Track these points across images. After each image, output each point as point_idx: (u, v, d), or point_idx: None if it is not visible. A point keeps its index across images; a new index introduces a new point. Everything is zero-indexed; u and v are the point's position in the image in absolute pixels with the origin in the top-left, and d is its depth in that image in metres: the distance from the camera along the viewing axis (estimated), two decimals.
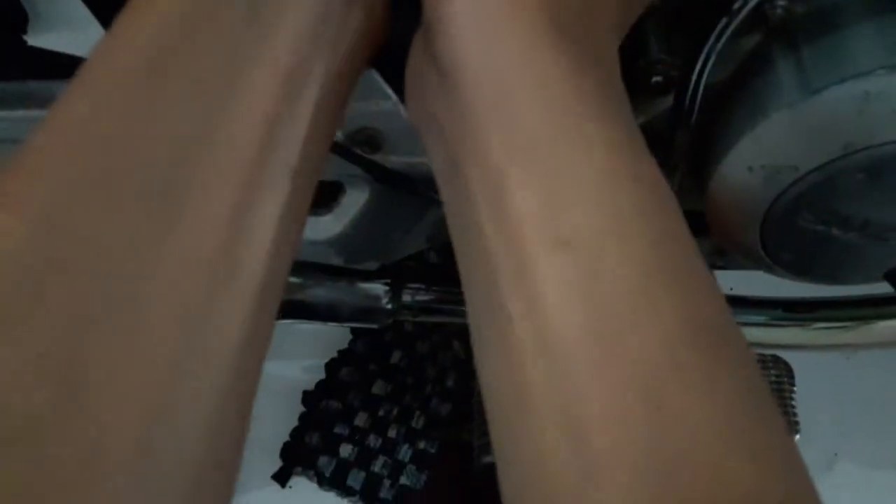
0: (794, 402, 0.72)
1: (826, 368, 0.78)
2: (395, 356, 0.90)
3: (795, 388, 0.68)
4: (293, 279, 0.56)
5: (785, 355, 0.69)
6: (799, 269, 0.50)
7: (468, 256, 0.25)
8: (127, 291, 0.20)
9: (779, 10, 0.42)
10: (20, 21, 0.75)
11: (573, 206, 0.22)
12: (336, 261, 0.56)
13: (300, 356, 0.91)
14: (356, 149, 0.49)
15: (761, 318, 0.59)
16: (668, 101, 0.47)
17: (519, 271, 0.22)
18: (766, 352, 0.66)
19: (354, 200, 0.53)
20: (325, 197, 0.54)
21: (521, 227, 0.22)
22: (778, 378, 0.66)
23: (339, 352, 0.91)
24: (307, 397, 0.89)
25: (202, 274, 0.21)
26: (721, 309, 0.22)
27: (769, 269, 0.52)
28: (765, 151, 0.43)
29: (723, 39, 0.41)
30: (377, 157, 0.49)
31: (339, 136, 0.51)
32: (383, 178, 0.49)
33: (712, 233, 0.51)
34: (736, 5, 0.40)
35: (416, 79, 0.27)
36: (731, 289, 0.62)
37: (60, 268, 0.19)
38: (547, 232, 0.22)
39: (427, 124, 0.27)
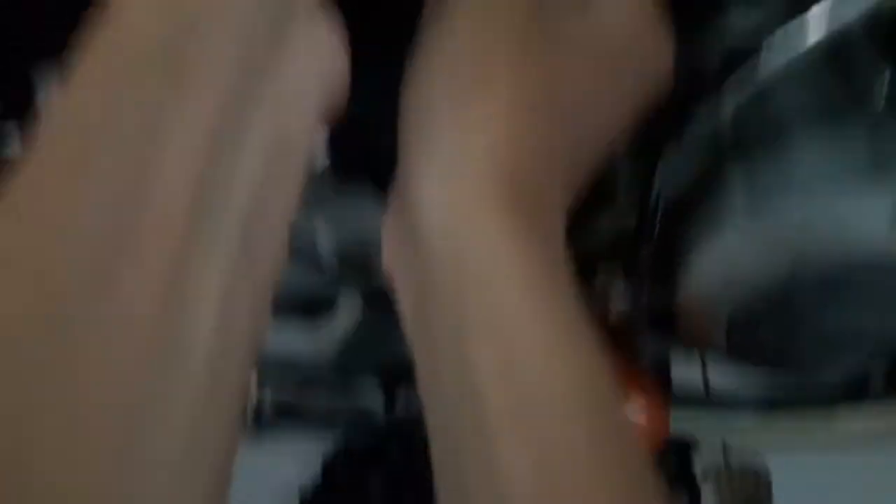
0: None
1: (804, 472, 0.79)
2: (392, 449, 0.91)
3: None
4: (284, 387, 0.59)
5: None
6: (765, 369, 0.53)
7: (433, 408, 0.27)
8: (59, 377, 0.19)
9: (727, 129, 0.46)
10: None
11: (528, 372, 0.24)
12: (332, 372, 0.59)
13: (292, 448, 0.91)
14: (348, 269, 0.52)
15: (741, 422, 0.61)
16: (630, 211, 0.51)
17: (480, 437, 0.24)
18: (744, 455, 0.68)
19: (349, 314, 0.56)
20: (320, 310, 0.58)
21: (485, 391, 0.24)
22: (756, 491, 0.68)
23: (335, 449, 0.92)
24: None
25: (138, 349, 0.20)
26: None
27: (735, 367, 0.54)
28: (723, 263, 0.46)
29: (674, 164, 0.45)
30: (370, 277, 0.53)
31: (332, 258, 0.54)
32: (371, 301, 0.52)
33: (682, 336, 0.54)
34: (685, 130, 0.44)
35: (393, 228, 0.29)
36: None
37: None
38: (507, 397, 0.24)
39: (398, 270, 0.29)
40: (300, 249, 0.53)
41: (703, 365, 0.63)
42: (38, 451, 0.18)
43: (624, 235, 0.52)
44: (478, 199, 0.26)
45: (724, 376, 0.62)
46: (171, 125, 0.22)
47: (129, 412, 0.20)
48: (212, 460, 0.22)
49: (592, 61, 0.28)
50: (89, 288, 0.20)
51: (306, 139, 0.26)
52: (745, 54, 0.40)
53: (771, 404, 0.61)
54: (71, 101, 0.23)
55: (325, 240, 0.53)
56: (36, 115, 0.69)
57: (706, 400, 0.67)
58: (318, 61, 0.26)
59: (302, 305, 0.58)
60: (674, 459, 0.67)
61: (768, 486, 0.68)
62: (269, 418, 0.61)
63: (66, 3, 0.37)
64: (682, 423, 0.63)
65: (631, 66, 0.30)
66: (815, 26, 0.38)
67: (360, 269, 0.51)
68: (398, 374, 0.64)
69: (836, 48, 0.44)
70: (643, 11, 0.30)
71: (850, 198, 0.42)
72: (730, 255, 0.46)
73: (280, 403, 0.62)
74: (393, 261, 0.29)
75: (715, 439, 0.66)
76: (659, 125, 0.47)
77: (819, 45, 0.39)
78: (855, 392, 0.55)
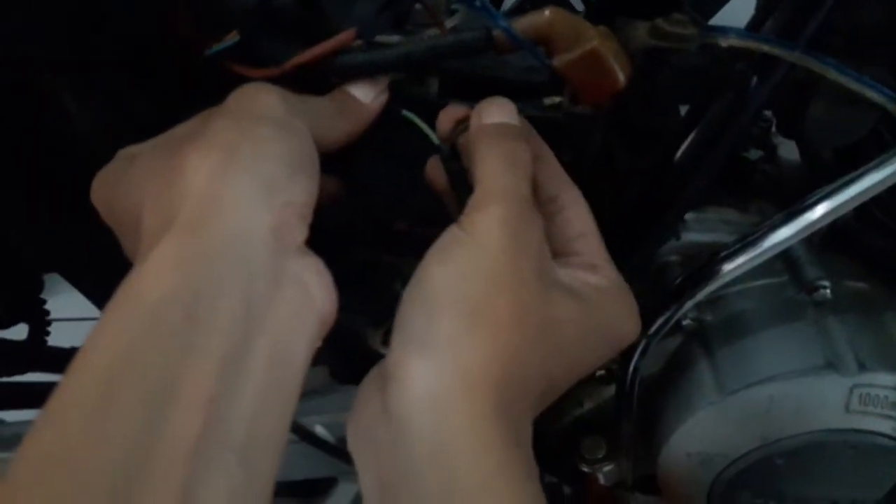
0: None
1: None
2: None
3: None
4: None
5: None
6: None
7: None
8: None
9: (690, 322, 0.51)
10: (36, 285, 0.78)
11: None
12: None
13: None
14: (344, 448, 0.55)
15: None
16: (612, 389, 0.55)
17: None
18: None
19: (347, 492, 0.58)
20: (320, 490, 0.60)
21: None
22: None
23: None
24: None
25: None
26: None
27: None
28: (697, 441, 0.50)
29: (647, 352, 0.49)
30: None
31: (329, 436, 0.57)
32: None
33: (667, 500, 0.57)
34: (655, 326, 0.49)
35: (363, 403, 0.31)
36: None
37: None
38: None
39: (363, 444, 0.30)
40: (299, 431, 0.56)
41: None
42: None
43: (604, 411, 0.56)
44: (467, 398, 0.28)
45: None
46: (185, 360, 0.25)
47: None
48: None
49: (576, 317, 0.32)
50: None
51: (302, 359, 0.29)
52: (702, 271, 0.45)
53: None
54: (97, 342, 0.26)
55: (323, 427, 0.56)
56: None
57: None
58: (310, 291, 0.29)
59: (301, 486, 0.60)
60: None
61: None
62: None
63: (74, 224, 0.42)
64: None
65: (605, 329, 0.33)
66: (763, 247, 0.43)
67: None
68: None
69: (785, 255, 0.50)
70: (619, 285, 0.34)
71: (808, 382, 0.47)
72: (704, 434, 0.50)
73: None
74: (361, 432, 0.30)
75: None
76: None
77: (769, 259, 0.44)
78: None
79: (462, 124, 0.36)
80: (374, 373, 0.31)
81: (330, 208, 0.40)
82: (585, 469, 0.58)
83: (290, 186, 0.30)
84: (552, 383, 0.31)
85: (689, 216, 0.54)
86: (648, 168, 0.46)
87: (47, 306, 0.73)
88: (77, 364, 0.26)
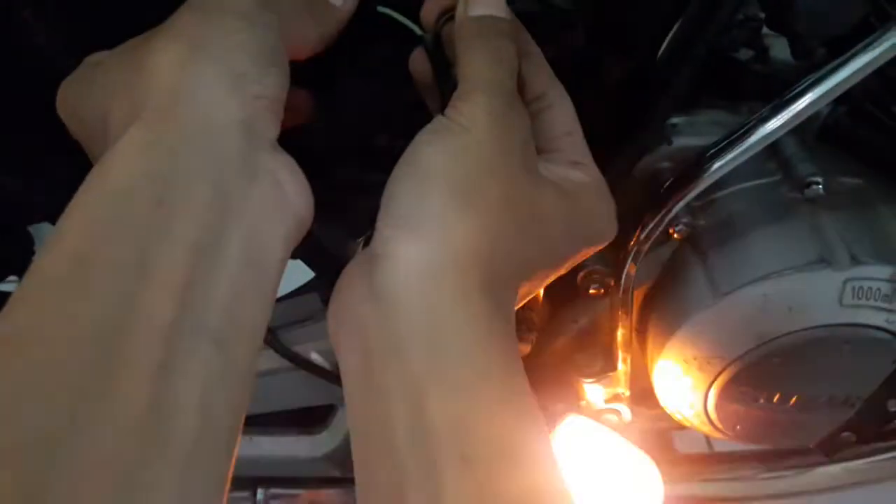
0: None
1: None
2: None
3: None
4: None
5: None
6: (746, 437, 0.56)
7: (374, 456, 0.28)
8: (63, 461, 0.22)
9: (683, 227, 0.51)
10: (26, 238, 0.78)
11: (477, 427, 0.26)
12: (334, 473, 0.61)
13: None
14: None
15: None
16: (605, 304, 0.55)
17: (425, 481, 0.26)
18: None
19: (345, 419, 0.58)
20: (320, 417, 0.60)
21: (434, 442, 0.26)
22: None
23: None
24: None
25: (132, 435, 0.23)
26: None
27: (721, 437, 0.58)
28: (694, 345, 0.50)
29: (639, 258, 0.49)
30: None
31: (325, 362, 0.57)
32: None
33: (664, 410, 0.57)
34: (646, 231, 0.48)
35: (347, 286, 0.31)
36: None
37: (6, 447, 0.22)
38: (454, 449, 0.26)
39: (347, 329, 0.30)
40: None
41: None
42: None
43: (599, 323, 0.56)
44: (457, 274, 0.28)
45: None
46: (158, 246, 0.25)
47: (122, 488, 0.22)
48: None
49: (558, 209, 0.32)
50: (89, 389, 0.23)
51: (278, 255, 0.29)
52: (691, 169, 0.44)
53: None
54: (67, 227, 0.26)
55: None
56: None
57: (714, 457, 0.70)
58: (284, 187, 0.29)
59: (301, 414, 0.61)
60: None
61: None
62: None
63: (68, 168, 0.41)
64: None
65: (585, 224, 0.33)
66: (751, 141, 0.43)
67: None
68: None
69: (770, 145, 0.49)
70: (600, 183, 0.34)
71: (801, 278, 0.46)
72: (701, 338, 0.50)
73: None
74: (345, 315, 0.30)
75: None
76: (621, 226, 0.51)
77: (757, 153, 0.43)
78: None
79: (447, 14, 0.35)
80: (358, 258, 0.31)
81: (307, 126, 0.40)
82: (582, 382, 0.58)
83: (260, 79, 0.29)
84: (534, 271, 0.32)
85: (679, 120, 0.53)
86: (631, 67, 0.45)
87: None
88: (47, 247, 0.26)
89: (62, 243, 0.26)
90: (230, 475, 0.27)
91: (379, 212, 0.30)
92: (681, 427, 0.63)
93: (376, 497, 0.28)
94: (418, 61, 0.36)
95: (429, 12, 0.36)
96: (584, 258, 0.34)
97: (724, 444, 0.66)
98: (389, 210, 0.29)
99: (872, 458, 0.62)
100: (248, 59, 0.29)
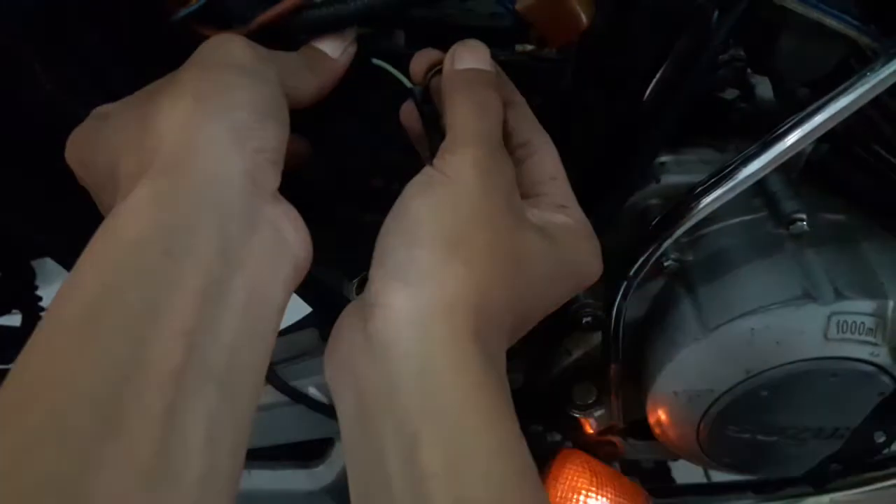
0: None
1: None
2: None
3: None
4: None
5: None
6: (738, 468, 0.57)
7: (369, 498, 0.28)
8: (75, 494, 0.22)
9: (672, 263, 0.52)
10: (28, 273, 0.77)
11: (471, 470, 0.27)
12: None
13: None
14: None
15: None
16: (599, 336, 0.56)
17: None
18: None
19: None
20: (318, 450, 0.61)
21: (428, 484, 0.26)
22: None
23: None
24: None
25: (141, 477, 0.24)
26: None
27: (713, 467, 0.58)
28: (683, 378, 0.51)
29: (630, 293, 0.50)
30: None
31: (323, 397, 0.58)
32: None
33: (658, 441, 0.58)
34: (635, 267, 0.49)
35: (343, 333, 0.32)
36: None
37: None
38: (448, 492, 0.26)
39: (342, 373, 0.31)
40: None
41: None
42: None
43: (591, 356, 0.57)
44: (448, 321, 0.29)
45: None
46: (167, 293, 0.26)
47: None
48: None
49: (544, 252, 0.33)
50: (101, 432, 0.24)
51: (279, 300, 0.30)
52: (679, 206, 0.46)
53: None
54: (80, 275, 0.27)
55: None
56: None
57: (709, 487, 0.71)
58: (284, 235, 0.30)
59: (299, 448, 0.61)
60: None
61: None
62: None
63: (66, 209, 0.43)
64: None
65: (571, 266, 0.34)
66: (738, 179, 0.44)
67: None
68: None
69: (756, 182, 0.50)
70: (585, 225, 0.35)
71: (787, 313, 0.48)
72: (690, 371, 0.51)
73: None
74: (341, 360, 0.31)
75: None
76: (609, 258, 0.52)
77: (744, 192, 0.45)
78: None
79: (435, 68, 0.37)
80: (352, 306, 0.32)
81: (305, 169, 0.41)
82: (577, 415, 0.59)
83: (260, 132, 0.30)
84: (523, 315, 0.33)
85: (667, 159, 0.55)
86: (619, 109, 0.46)
87: (40, 293, 0.74)
88: (60, 299, 0.27)
89: (76, 291, 0.27)
90: None
91: (371, 263, 0.31)
92: (675, 458, 0.64)
93: None
94: (408, 113, 0.38)
95: (418, 66, 0.37)
96: (572, 296, 0.35)
97: (722, 475, 0.67)
98: (381, 262, 0.31)
99: (861, 489, 0.62)
100: (250, 114, 0.30)
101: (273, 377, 0.55)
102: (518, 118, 0.37)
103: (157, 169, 0.29)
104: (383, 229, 0.31)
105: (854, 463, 0.53)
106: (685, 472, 0.72)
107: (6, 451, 0.23)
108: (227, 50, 0.32)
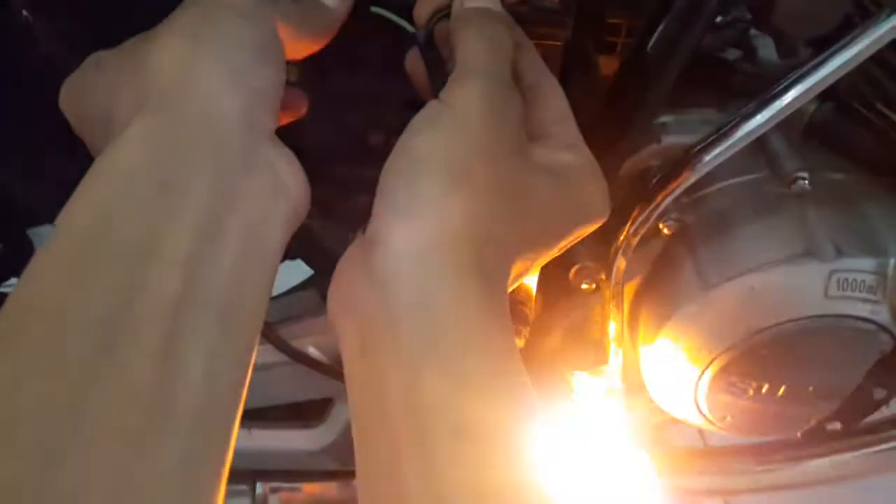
0: None
1: None
2: None
3: None
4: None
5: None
6: (737, 428, 0.57)
7: (371, 432, 0.29)
8: (72, 427, 0.23)
9: (672, 223, 0.52)
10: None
11: (471, 401, 0.27)
12: (332, 467, 0.62)
13: None
14: (338, 367, 0.56)
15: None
16: (598, 298, 0.56)
17: (419, 454, 0.26)
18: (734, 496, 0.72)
19: (343, 411, 0.59)
20: (317, 411, 0.61)
21: (427, 416, 0.27)
22: None
23: None
24: None
25: (138, 403, 0.24)
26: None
27: (712, 428, 0.59)
28: (683, 337, 0.51)
29: (629, 252, 0.50)
30: None
31: (323, 356, 0.58)
32: None
33: (656, 402, 0.58)
34: (635, 225, 0.49)
35: (345, 271, 0.32)
36: None
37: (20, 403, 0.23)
38: (447, 424, 0.26)
39: (344, 309, 0.31)
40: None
41: None
42: (61, 488, 0.22)
43: (592, 318, 0.57)
44: (449, 254, 0.29)
45: None
46: (163, 225, 0.27)
47: (129, 456, 0.23)
48: (201, 484, 0.26)
49: (550, 191, 0.33)
50: (96, 358, 0.24)
51: (276, 242, 0.30)
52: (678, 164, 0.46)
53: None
54: (74, 208, 0.27)
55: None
56: None
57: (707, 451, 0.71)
58: (281, 178, 0.30)
59: (298, 408, 0.62)
60: None
61: None
62: None
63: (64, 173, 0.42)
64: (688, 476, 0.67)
65: (578, 205, 0.34)
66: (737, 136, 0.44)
67: None
68: None
69: (757, 142, 0.50)
70: (593, 165, 0.35)
71: (787, 271, 0.48)
72: (690, 329, 0.51)
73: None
74: (343, 298, 0.31)
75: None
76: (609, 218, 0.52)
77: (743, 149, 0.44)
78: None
79: (440, 13, 0.36)
80: (355, 245, 0.32)
81: (302, 123, 0.41)
82: (576, 375, 0.59)
83: (257, 73, 0.30)
84: (527, 250, 0.33)
85: (668, 119, 0.54)
86: (620, 63, 0.46)
87: None
88: (54, 229, 0.27)
89: (70, 223, 0.27)
90: (230, 453, 0.28)
91: (374, 199, 0.31)
92: (673, 420, 0.64)
93: (374, 469, 0.29)
94: (413, 60, 0.37)
95: (423, 10, 0.37)
96: (579, 238, 0.35)
97: (719, 438, 0.68)
98: (383, 196, 0.30)
99: (859, 452, 0.63)
100: (247, 54, 0.30)
101: (272, 336, 0.55)
102: (527, 61, 0.36)
103: (152, 107, 0.28)
104: (386, 166, 0.31)
105: (853, 420, 0.53)
106: (683, 436, 0.73)
107: (1, 376, 0.23)
108: None
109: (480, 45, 0.33)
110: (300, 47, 0.35)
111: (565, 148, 0.35)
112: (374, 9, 0.37)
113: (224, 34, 0.30)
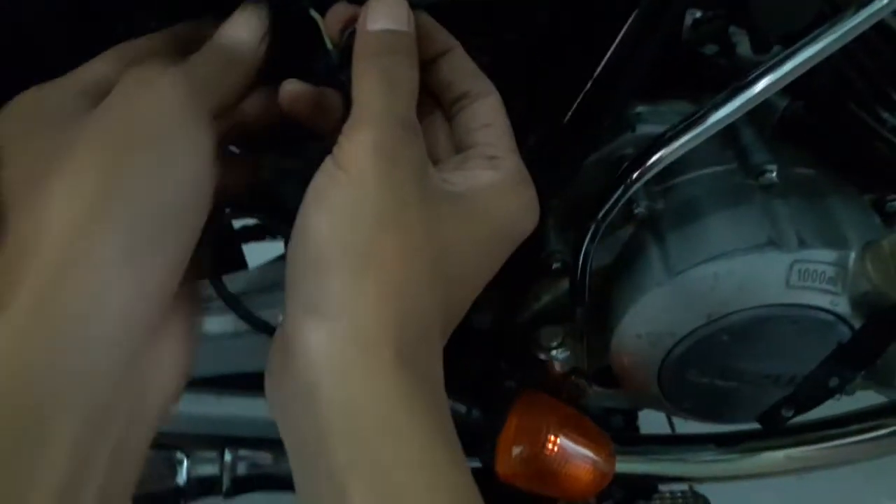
0: None
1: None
2: None
3: None
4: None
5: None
6: (697, 413, 0.59)
7: None
8: None
9: (642, 209, 0.53)
10: None
11: None
12: None
13: None
14: None
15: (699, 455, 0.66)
16: (567, 281, 0.57)
17: None
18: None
19: None
20: None
21: None
22: None
23: None
24: None
25: None
26: None
27: (675, 413, 0.60)
28: (647, 321, 0.52)
29: (598, 237, 0.51)
30: None
31: None
32: None
33: (622, 386, 0.59)
34: (603, 210, 0.50)
35: (274, 373, 0.30)
36: None
37: None
38: None
39: (280, 414, 0.30)
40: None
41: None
42: None
43: (560, 301, 0.58)
44: (367, 354, 0.28)
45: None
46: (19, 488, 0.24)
47: None
48: None
49: (466, 232, 0.31)
50: None
51: (150, 434, 0.30)
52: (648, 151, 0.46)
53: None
54: None
55: None
56: None
57: (672, 438, 0.72)
58: (163, 367, 0.29)
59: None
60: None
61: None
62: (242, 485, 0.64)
63: None
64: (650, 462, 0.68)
65: (499, 230, 0.33)
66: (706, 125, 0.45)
67: None
68: None
69: (729, 135, 0.51)
70: (516, 176, 0.33)
71: (750, 259, 0.49)
72: (653, 314, 0.52)
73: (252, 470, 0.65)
74: (275, 401, 0.31)
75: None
76: (581, 205, 0.53)
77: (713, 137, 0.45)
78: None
79: (352, 26, 0.33)
80: (277, 338, 0.31)
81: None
82: (542, 356, 0.60)
83: (160, 246, 0.28)
84: (454, 305, 0.32)
85: (643, 109, 0.55)
86: (597, 52, 0.47)
87: None
88: None
89: None
90: None
91: (286, 294, 0.30)
92: (638, 406, 0.65)
93: None
94: (292, 96, 0.33)
95: (333, 24, 0.34)
96: (510, 253, 0.34)
97: (686, 426, 0.69)
98: (291, 290, 0.30)
99: (816, 446, 0.64)
100: (151, 225, 0.28)
101: (238, 308, 0.55)
102: (454, 68, 0.35)
103: (28, 300, 0.26)
104: (289, 253, 0.30)
105: (805, 406, 0.55)
106: (650, 424, 0.74)
107: None
108: (145, 105, 0.29)
109: (374, 86, 0.31)
110: (228, 103, 0.33)
111: (486, 161, 0.33)
112: (312, 13, 0.34)
113: (130, 197, 0.27)
